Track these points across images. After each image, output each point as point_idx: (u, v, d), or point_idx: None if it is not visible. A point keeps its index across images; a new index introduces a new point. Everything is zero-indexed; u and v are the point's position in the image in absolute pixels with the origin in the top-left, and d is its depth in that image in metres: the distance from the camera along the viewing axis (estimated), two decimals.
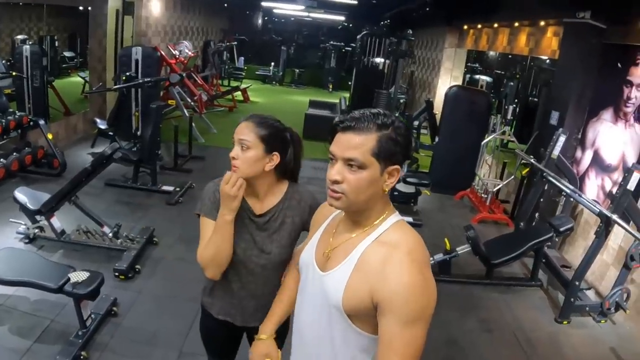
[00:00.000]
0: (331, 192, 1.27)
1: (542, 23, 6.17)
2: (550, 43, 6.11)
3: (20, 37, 7.15)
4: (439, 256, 4.33)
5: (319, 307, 1.35)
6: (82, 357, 2.85)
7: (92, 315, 3.11)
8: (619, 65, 4.52)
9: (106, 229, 4.13)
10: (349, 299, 1.25)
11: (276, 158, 1.71)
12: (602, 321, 3.91)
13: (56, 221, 4.01)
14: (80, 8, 7.82)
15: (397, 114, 10.99)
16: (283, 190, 1.81)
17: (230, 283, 1.82)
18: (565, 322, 3.87)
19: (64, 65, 9.16)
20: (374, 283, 1.21)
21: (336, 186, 1.25)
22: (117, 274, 3.73)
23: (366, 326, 1.28)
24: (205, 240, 1.73)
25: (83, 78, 8.57)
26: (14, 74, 6.00)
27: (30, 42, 6.88)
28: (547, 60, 8.12)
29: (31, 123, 5.58)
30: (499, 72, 11.50)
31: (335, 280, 1.29)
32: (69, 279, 2.86)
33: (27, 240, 4.08)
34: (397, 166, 1.26)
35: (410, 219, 5.45)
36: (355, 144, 1.21)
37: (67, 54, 9.23)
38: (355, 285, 1.25)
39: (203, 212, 1.77)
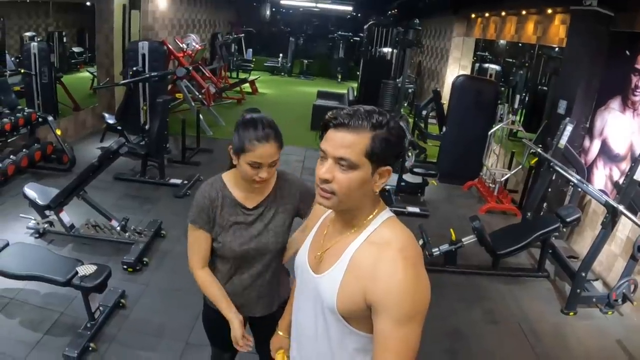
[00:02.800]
0: (320, 191, 1.23)
1: (549, 11, 6.09)
2: (557, 31, 6.03)
3: (28, 34, 7.22)
4: (445, 247, 4.33)
5: (315, 309, 1.34)
6: (90, 348, 2.91)
7: (101, 308, 3.17)
8: (627, 53, 4.45)
9: (114, 223, 4.19)
10: (343, 302, 1.24)
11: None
12: (609, 312, 3.89)
13: (65, 216, 4.07)
14: (88, 3, 7.87)
15: (405, 104, 10.96)
16: (272, 181, 1.83)
17: (231, 277, 1.86)
18: (571, 314, 3.85)
19: (72, 61, 9.26)
20: (366, 284, 1.19)
21: (326, 185, 1.21)
22: (125, 266, 3.79)
23: (363, 326, 1.26)
24: (193, 249, 1.81)
25: (92, 73, 8.65)
26: (22, 71, 6.07)
27: (38, 39, 6.94)
28: (556, 49, 8.01)
29: (40, 119, 5.66)
30: (509, 60, 11.38)
31: (329, 283, 1.27)
32: (76, 273, 2.91)
33: (37, 235, 4.15)
34: (388, 167, 1.22)
35: (417, 210, 5.45)
36: (347, 143, 1.16)
37: (75, 49, 9.32)
38: (349, 287, 1.23)
39: (190, 219, 1.79)
